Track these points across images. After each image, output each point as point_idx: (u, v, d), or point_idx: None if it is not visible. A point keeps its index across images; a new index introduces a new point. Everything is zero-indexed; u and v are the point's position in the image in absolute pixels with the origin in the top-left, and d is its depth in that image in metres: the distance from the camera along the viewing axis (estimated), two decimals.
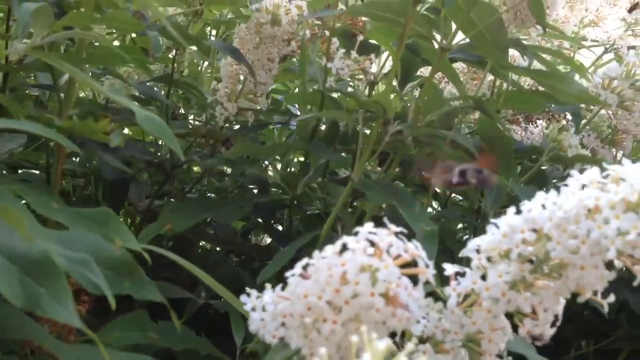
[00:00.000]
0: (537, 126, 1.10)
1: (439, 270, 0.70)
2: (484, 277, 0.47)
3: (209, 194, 1.28)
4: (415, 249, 0.42)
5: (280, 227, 1.23)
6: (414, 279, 0.43)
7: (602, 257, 0.41)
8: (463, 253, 0.49)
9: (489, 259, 0.46)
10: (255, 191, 1.08)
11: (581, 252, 0.40)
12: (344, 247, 0.40)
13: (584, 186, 0.43)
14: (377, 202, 0.69)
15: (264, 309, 0.45)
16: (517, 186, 0.79)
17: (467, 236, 1.25)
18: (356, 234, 0.41)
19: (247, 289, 0.48)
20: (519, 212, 0.45)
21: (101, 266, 0.51)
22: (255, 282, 0.92)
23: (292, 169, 1.19)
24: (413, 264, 0.43)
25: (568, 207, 0.41)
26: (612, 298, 0.45)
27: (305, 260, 0.41)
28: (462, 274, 0.49)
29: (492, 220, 0.47)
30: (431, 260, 0.66)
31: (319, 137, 0.96)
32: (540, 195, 0.44)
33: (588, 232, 0.40)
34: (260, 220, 1.14)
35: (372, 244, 0.41)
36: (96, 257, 0.51)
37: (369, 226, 0.41)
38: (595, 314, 1.10)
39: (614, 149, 1.06)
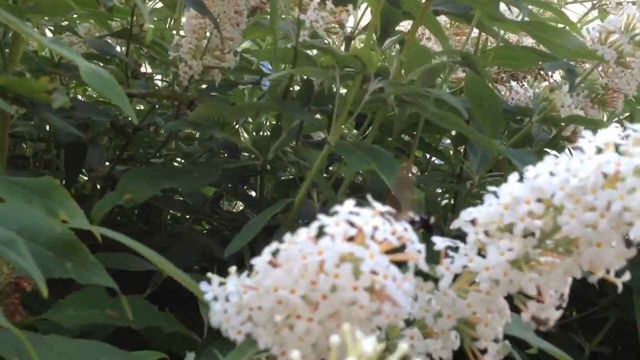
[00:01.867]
0: (523, 85, 1.04)
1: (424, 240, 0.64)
2: (480, 254, 0.41)
3: (176, 159, 1.21)
4: (404, 232, 0.35)
5: (253, 193, 1.17)
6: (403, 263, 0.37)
7: (622, 232, 0.35)
8: (455, 225, 0.42)
9: (486, 233, 0.40)
10: (226, 156, 1.01)
11: (600, 227, 0.34)
12: (321, 231, 0.34)
13: (599, 150, 0.37)
14: (357, 167, 0.63)
15: (228, 299, 0.38)
16: (510, 150, 0.73)
17: (447, 200, 1.20)
18: (335, 214, 0.34)
19: (209, 274, 0.41)
20: (521, 179, 0.39)
21: (40, 245, 0.44)
22: (224, 252, 0.86)
23: (265, 133, 1.12)
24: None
25: (584, 174, 0.35)
26: (627, 276, 0.39)
27: (274, 245, 0.35)
28: (454, 249, 0.43)
29: (490, 189, 0.41)
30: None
31: (292, 97, 0.89)
32: (548, 159, 0.38)
33: (609, 204, 0.34)
34: (231, 185, 1.07)
35: (354, 225, 0.35)
36: (34, 235, 0.44)
37: (350, 205, 0.34)
38: (579, 280, 1.05)
39: (603, 109, 1.01)
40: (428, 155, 1.21)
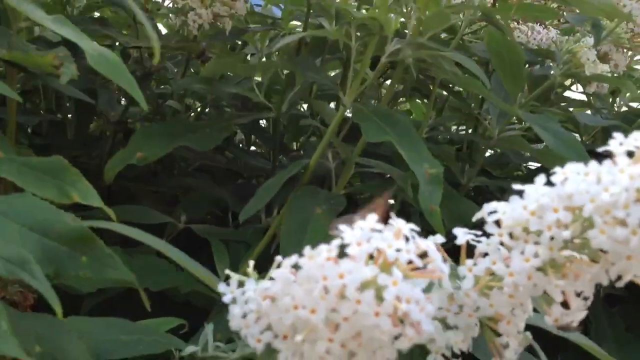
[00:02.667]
0: (545, 26, 1.00)
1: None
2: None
3: (188, 102, 1.19)
4: (428, 248, 0.34)
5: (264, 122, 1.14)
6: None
7: None
8: (477, 216, 0.41)
9: (511, 235, 0.39)
10: (239, 104, 0.99)
11: (631, 245, 0.33)
12: (342, 249, 0.32)
13: (630, 154, 0.35)
14: (373, 138, 0.61)
15: (247, 302, 0.37)
16: (529, 115, 0.71)
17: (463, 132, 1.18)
18: (356, 229, 0.33)
19: (227, 272, 0.40)
20: (549, 182, 0.37)
21: (53, 240, 0.43)
22: (239, 203, 0.86)
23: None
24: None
25: (615, 189, 0.33)
26: None
27: (293, 259, 0.34)
28: (477, 240, 0.42)
29: (515, 187, 0.39)
30: (436, 204, 0.59)
31: (306, 42, 0.86)
32: (579, 166, 0.36)
33: None
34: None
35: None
36: (47, 230, 0.44)
37: (372, 220, 0.33)
38: None
39: (628, 52, 0.97)
40: (445, 93, 1.18)
